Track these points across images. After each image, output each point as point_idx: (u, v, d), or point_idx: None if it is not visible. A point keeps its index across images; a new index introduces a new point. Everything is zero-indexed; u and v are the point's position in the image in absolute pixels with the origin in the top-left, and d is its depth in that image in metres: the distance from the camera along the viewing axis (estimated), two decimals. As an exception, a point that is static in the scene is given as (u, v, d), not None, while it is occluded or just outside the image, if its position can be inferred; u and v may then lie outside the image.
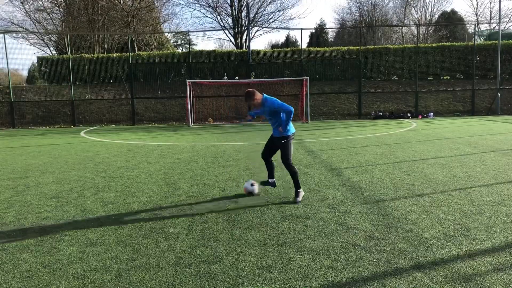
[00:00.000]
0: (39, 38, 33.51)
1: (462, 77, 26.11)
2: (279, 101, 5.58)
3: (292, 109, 5.49)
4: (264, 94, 5.68)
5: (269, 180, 6.06)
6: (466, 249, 3.85)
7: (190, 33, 27.00)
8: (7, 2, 43.71)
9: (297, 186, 5.68)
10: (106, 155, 10.58)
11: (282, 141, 5.63)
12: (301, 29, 24.15)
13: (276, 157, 5.90)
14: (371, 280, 3.28)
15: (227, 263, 3.68)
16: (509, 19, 39.85)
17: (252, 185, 5.97)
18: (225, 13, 38.28)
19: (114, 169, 8.40)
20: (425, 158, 8.82)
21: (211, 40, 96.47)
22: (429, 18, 43.90)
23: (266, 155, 5.96)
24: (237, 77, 25.22)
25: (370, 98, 24.11)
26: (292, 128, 5.66)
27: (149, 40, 35.13)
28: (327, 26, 50.68)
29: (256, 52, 25.48)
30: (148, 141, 13.54)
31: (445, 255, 3.71)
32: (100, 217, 5.14)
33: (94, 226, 4.79)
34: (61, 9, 33.58)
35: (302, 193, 5.68)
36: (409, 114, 22.32)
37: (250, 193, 5.96)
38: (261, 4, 37.41)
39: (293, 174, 5.64)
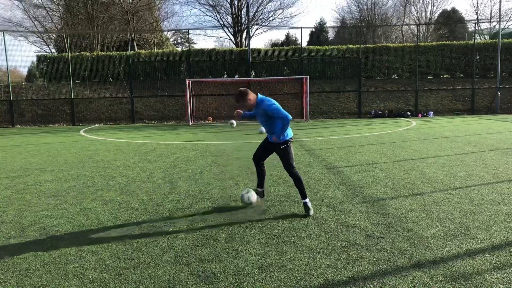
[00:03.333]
0: (39, 37, 33.47)
1: (462, 75, 26.10)
2: (276, 104, 4.89)
3: (290, 117, 4.79)
4: (260, 94, 5.01)
5: (258, 189, 5.49)
6: (466, 248, 3.85)
7: (189, 31, 26.97)
8: (7, 1, 43.60)
9: (303, 196, 4.97)
10: (105, 153, 10.57)
11: (281, 147, 4.97)
12: (301, 27, 24.02)
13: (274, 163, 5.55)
14: (370, 279, 3.28)
15: (226, 262, 3.68)
16: (509, 17, 39.83)
17: (247, 193, 5.20)
18: (225, 11, 38.20)
19: (113, 168, 8.39)
20: (424, 157, 8.81)
21: (211, 38, 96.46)
22: (429, 16, 43.87)
23: (259, 156, 5.32)
24: (237, 76, 25.19)
25: (370, 97, 24.09)
26: (290, 132, 5.01)
27: (148, 39, 35.08)
28: (327, 25, 50.60)
29: (256, 51, 25.45)
30: (148, 140, 13.53)
31: (444, 254, 3.71)
32: (99, 215, 5.13)
33: (93, 224, 4.79)
34: (60, 7, 33.52)
35: (309, 203, 4.97)
36: (408, 113, 22.31)
37: (247, 203, 5.22)
38: (261, 3, 37.34)
39: (298, 182, 4.96)
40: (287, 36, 53.08)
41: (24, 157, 10.33)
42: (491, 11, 43.53)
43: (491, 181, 6.40)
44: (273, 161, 8.66)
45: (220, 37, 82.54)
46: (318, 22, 50.83)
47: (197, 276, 3.42)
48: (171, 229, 4.55)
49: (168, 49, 31.07)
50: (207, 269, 3.54)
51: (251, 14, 34.00)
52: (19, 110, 23.08)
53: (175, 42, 47.50)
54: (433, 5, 44.54)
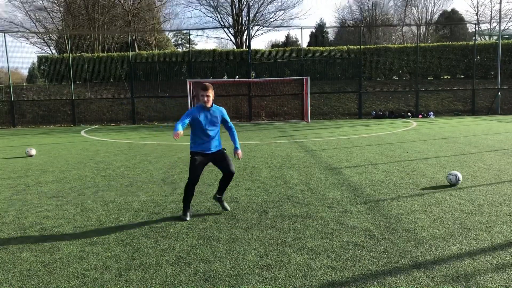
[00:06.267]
0: (40, 38, 33.52)
1: (462, 76, 26.07)
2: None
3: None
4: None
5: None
6: (466, 248, 3.85)
7: (190, 32, 26.98)
8: (8, 2, 43.68)
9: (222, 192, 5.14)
10: (106, 154, 10.58)
11: (224, 150, 5.12)
12: (302, 27, 24.01)
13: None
14: (371, 280, 3.28)
15: (227, 262, 3.68)
16: (510, 18, 39.83)
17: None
18: (225, 12, 38.26)
19: (114, 169, 8.40)
20: (425, 157, 8.81)
21: (211, 39, 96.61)
22: (429, 17, 43.89)
23: (200, 173, 5.03)
24: (237, 77, 25.20)
25: (371, 98, 24.09)
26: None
27: (149, 40, 35.11)
28: (327, 26, 50.59)
29: (257, 52, 25.45)
30: (148, 140, 13.54)
31: (445, 255, 3.71)
32: (100, 216, 5.14)
33: (94, 225, 4.79)
34: (61, 9, 33.58)
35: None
36: (409, 114, 22.31)
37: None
38: (262, 3, 37.40)
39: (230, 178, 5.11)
40: (288, 37, 53.06)
41: (25, 157, 10.34)
42: (491, 12, 43.52)
43: (492, 182, 6.40)
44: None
45: (221, 37, 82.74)
46: (318, 23, 50.82)
47: (197, 276, 3.42)
48: (171, 230, 4.56)
49: (168, 50, 31.10)
50: (208, 269, 3.55)
51: (251, 15, 34.02)
52: (20, 111, 23.11)
53: (176, 43, 47.57)
54: (434, 6, 44.57)
